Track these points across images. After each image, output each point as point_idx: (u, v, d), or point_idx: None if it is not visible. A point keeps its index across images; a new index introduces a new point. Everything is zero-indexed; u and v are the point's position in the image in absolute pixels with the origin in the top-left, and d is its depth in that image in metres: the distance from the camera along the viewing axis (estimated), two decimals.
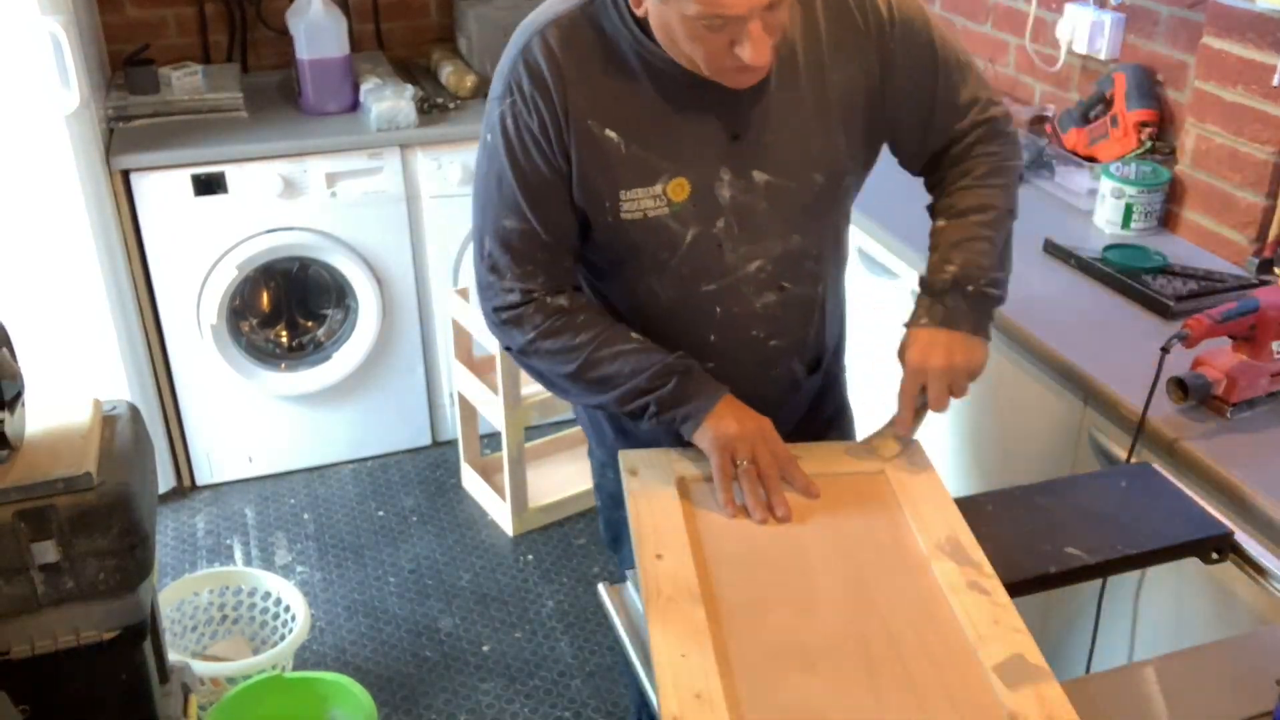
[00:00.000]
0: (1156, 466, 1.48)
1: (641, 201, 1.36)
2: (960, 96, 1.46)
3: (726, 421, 1.35)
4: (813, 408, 1.64)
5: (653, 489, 1.35)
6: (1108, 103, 2.34)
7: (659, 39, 1.28)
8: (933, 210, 1.51)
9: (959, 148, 1.49)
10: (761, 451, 1.34)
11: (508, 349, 1.46)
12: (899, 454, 1.41)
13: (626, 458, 1.41)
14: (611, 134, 1.34)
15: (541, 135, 1.33)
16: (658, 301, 1.45)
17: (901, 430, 1.41)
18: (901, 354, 1.42)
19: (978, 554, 1.24)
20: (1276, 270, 1.93)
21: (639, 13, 1.27)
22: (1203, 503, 1.39)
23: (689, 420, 1.37)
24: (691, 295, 1.43)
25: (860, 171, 1.47)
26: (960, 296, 1.41)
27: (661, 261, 1.41)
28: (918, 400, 1.41)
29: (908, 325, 1.44)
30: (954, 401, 1.42)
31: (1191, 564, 1.36)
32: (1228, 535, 1.33)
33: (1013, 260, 1.49)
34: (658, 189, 1.36)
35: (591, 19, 1.33)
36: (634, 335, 1.41)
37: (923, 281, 1.45)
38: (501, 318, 1.42)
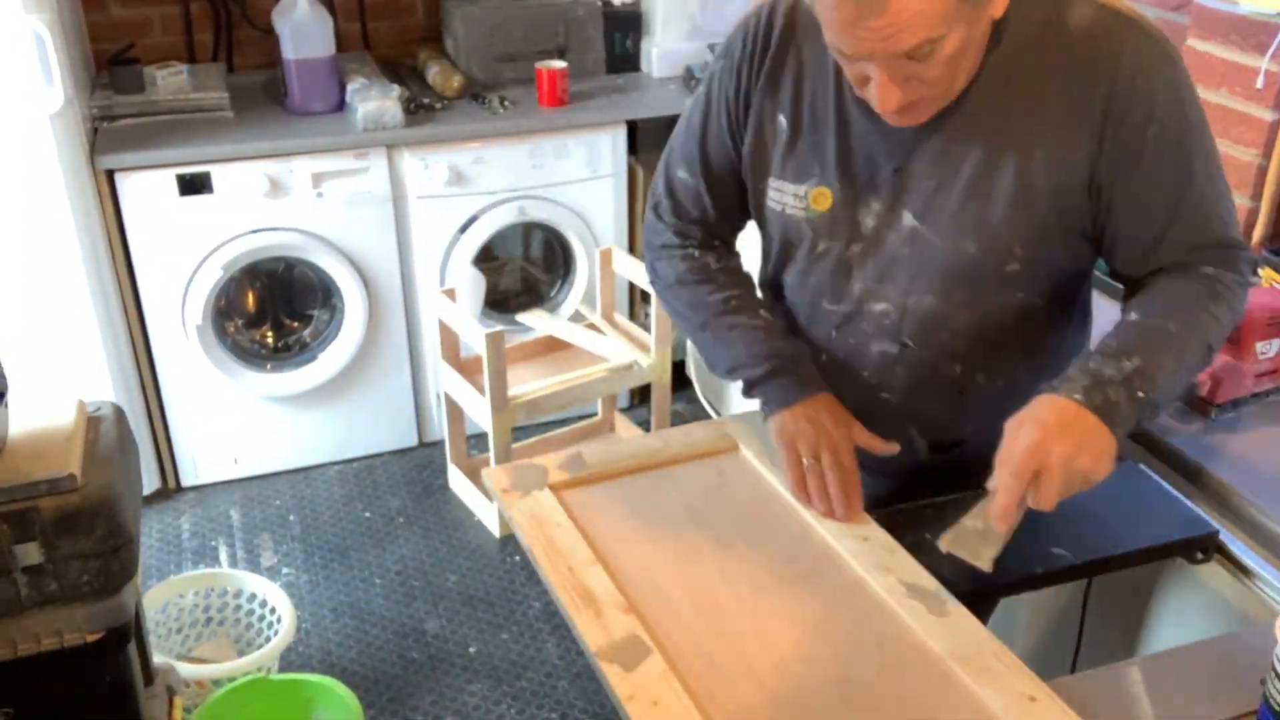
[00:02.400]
0: (1142, 466, 1.48)
1: (785, 196, 1.35)
2: (1208, 233, 1.25)
3: (787, 417, 1.34)
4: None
5: (530, 502, 1.35)
6: None
7: None
8: (1126, 300, 1.30)
9: (1184, 267, 1.27)
10: (825, 457, 1.31)
11: (653, 283, 1.52)
12: (991, 556, 1.14)
13: (492, 475, 1.41)
14: (783, 120, 1.33)
15: (732, 103, 1.36)
16: (789, 294, 1.45)
17: (1001, 523, 1.11)
18: (1019, 423, 1.15)
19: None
20: (1260, 272, 1.94)
21: None
22: (1188, 503, 1.39)
23: (765, 408, 1.38)
24: (813, 306, 1.41)
25: (1044, 262, 1.28)
26: (1127, 395, 1.15)
27: (795, 257, 1.40)
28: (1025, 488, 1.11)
29: (1047, 389, 1.17)
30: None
31: (1177, 564, 1.37)
32: (1213, 535, 1.34)
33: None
34: (802, 190, 1.33)
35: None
36: (763, 312, 1.43)
37: (1087, 359, 1.20)
38: (654, 253, 1.49)
